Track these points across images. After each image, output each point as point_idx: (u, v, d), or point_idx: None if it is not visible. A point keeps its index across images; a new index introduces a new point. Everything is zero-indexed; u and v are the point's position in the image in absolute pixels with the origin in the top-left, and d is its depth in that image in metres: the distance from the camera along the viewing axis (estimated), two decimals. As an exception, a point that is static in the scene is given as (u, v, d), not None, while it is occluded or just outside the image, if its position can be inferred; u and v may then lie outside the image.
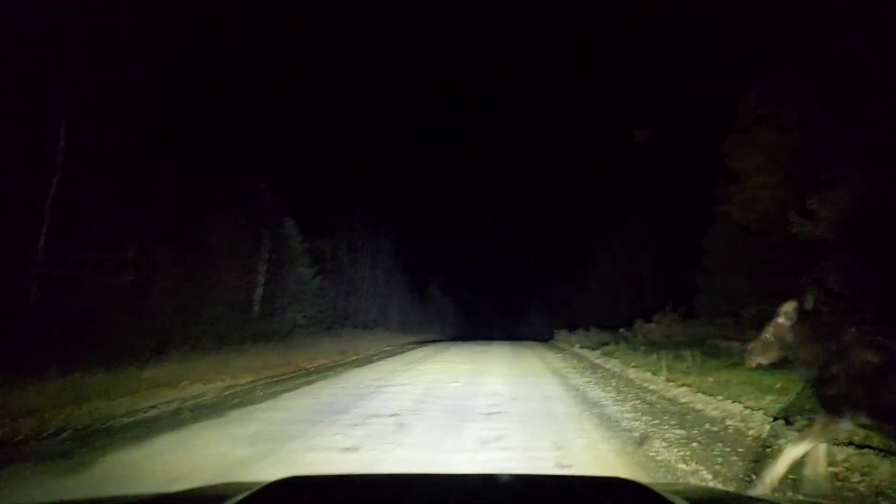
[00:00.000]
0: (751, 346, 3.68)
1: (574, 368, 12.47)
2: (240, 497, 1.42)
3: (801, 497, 3.34)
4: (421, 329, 48.41)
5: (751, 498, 2.20)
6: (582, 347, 18.33)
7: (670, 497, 1.44)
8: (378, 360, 16.12)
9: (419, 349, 22.01)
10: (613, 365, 12.35)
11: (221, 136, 22.08)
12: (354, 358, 17.55)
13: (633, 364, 11.71)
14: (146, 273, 15.96)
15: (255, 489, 1.50)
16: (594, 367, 12.52)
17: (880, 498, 3.64)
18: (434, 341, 33.23)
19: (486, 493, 1.65)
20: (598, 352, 15.74)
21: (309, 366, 14.71)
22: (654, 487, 1.57)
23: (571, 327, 30.89)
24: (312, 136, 40.21)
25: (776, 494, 3.02)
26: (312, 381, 10.25)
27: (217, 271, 19.48)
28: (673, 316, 16.50)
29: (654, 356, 12.15)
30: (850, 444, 4.39)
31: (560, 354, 16.92)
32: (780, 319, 3.50)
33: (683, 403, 7.34)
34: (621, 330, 18.14)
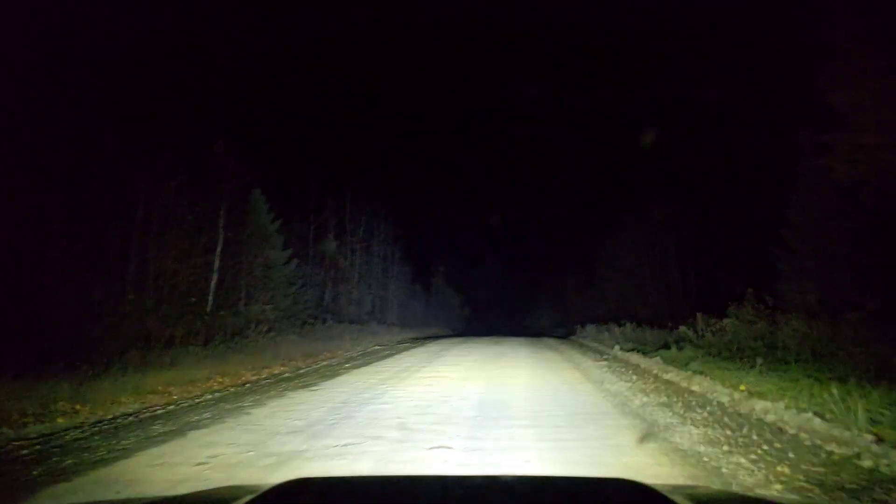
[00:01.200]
0: None
1: (643, 393, 7.87)
2: (247, 499, 1.39)
3: (808, 497, 3.03)
4: (423, 323, 44.11)
5: (756, 499, 2.06)
6: (626, 350, 13.71)
7: (674, 497, 1.38)
8: (347, 370, 11.67)
9: (412, 350, 17.49)
10: (706, 388, 7.71)
11: (168, 87, 17.59)
12: (323, 364, 13.23)
13: (744, 387, 7.13)
14: (28, 247, 11.51)
15: (262, 491, 1.48)
16: (677, 393, 7.81)
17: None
18: (435, 338, 28.70)
19: (490, 493, 1.60)
20: (655, 358, 11.14)
21: (243, 379, 10.40)
22: (657, 488, 1.49)
23: (588, 320, 26.30)
24: (297, 103, 35.67)
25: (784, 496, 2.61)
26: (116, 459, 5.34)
27: (150, 250, 14.99)
28: (757, 309, 11.83)
29: (776, 375, 7.59)
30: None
31: (602, 361, 12.30)
32: None
33: None
34: (682, 328, 13.48)
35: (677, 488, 1.90)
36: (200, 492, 1.96)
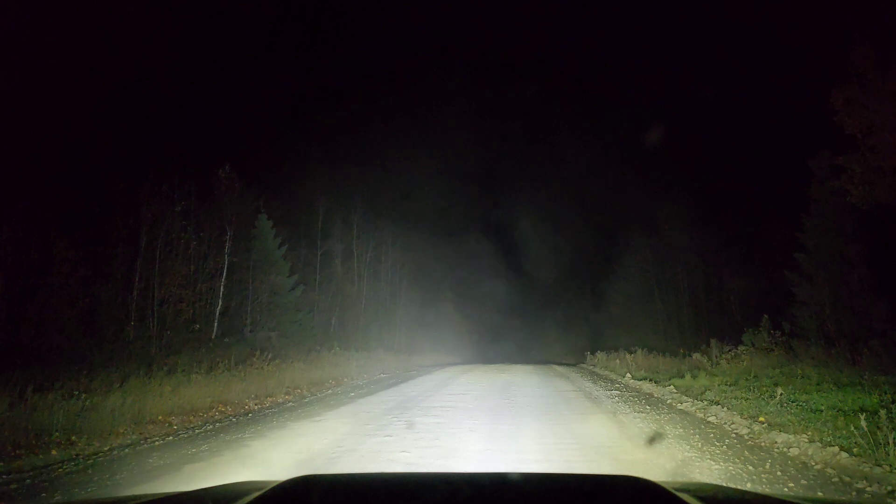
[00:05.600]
0: None
1: (657, 424, 7.56)
2: (254, 496, 1.41)
3: (817, 495, 3.02)
4: (431, 349, 43.46)
5: (761, 495, 2.10)
6: (638, 379, 13.36)
7: (681, 495, 1.40)
8: (352, 400, 11.42)
9: (419, 379, 17.14)
10: (724, 419, 7.39)
11: (175, 111, 17.68)
12: (328, 393, 12.95)
13: (764, 419, 6.82)
14: (29, 274, 11.39)
15: (267, 488, 1.49)
16: (693, 424, 7.52)
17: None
18: (442, 365, 28.34)
19: (497, 492, 1.61)
20: (668, 388, 10.81)
21: (246, 408, 10.20)
22: (664, 485, 1.50)
23: (598, 346, 25.84)
24: (303, 127, 35.93)
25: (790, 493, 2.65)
26: None
27: (154, 276, 14.86)
28: (773, 336, 11.50)
29: (797, 406, 7.28)
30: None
31: (613, 390, 11.91)
32: None
33: None
34: (695, 355, 13.14)
35: (685, 486, 1.84)
36: (208, 488, 1.86)
